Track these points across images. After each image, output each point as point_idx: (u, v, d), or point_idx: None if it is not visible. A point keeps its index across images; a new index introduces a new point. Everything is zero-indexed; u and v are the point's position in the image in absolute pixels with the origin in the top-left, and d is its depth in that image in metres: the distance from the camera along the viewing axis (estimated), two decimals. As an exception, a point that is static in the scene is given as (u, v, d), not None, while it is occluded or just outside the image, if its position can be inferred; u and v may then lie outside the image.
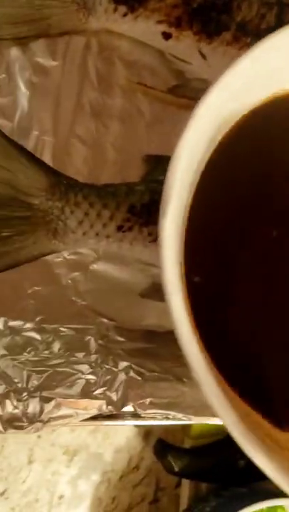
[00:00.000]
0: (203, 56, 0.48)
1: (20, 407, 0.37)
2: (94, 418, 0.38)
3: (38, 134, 0.47)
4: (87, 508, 0.52)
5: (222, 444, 0.53)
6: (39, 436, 0.49)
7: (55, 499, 0.51)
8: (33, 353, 0.42)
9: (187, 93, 0.50)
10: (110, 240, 0.47)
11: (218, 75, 0.49)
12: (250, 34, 0.48)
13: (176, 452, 0.51)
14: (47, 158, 0.47)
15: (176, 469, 0.51)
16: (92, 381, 0.39)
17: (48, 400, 0.37)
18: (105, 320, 0.47)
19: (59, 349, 0.42)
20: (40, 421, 0.37)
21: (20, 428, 0.37)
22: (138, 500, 0.53)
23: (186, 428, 0.53)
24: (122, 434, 0.53)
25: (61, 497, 0.51)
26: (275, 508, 0.53)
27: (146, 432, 0.53)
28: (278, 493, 0.54)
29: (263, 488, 0.55)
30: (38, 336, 0.44)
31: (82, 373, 0.40)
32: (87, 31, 0.47)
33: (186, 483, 0.54)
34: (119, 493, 0.53)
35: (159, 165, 0.49)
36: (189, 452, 0.52)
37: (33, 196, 0.45)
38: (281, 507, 0.54)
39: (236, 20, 0.47)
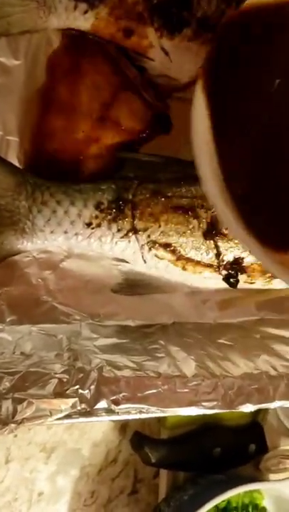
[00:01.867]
0: (166, 52, 0.49)
1: (-7, 410, 0.37)
2: (68, 416, 0.38)
3: (2, 134, 0.47)
4: (66, 503, 0.52)
5: (198, 433, 0.54)
6: (15, 436, 0.50)
7: (35, 496, 0.51)
8: (4, 354, 0.42)
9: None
10: (79, 237, 0.47)
11: (180, 70, 0.50)
12: (211, 29, 0.48)
13: (152, 444, 0.52)
14: (12, 158, 0.47)
15: (154, 460, 0.52)
16: (65, 380, 0.40)
17: (20, 400, 0.38)
18: (78, 317, 0.48)
19: (31, 349, 0.43)
20: (14, 422, 0.37)
21: (-6, 430, 0.37)
22: (117, 493, 0.54)
23: (161, 419, 0.54)
24: (99, 428, 0.53)
25: (40, 494, 0.51)
26: (251, 492, 0.55)
27: (123, 426, 0.54)
28: (254, 478, 0.55)
29: (239, 475, 0.56)
30: (9, 337, 0.44)
31: (55, 373, 0.40)
32: (48, 29, 0.47)
33: (164, 474, 0.55)
34: (98, 486, 0.53)
35: (127, 162, 0.49)
36: (166, 443, 0.53)
37: (-1, 197, 0.45)
38: (257, 491, 0.55)
39: (197, 16, 0.47)
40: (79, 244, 0.47)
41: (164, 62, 0.49)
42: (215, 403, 0.43)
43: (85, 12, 0.47)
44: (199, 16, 0.48)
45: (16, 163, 0.47)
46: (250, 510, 0.55)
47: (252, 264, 0.48)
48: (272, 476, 0.56)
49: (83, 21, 0.47)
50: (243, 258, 0.48)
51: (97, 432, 0.53)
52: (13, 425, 0.37)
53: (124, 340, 0.46)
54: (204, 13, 0.48)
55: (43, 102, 0.48)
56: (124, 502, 0.54)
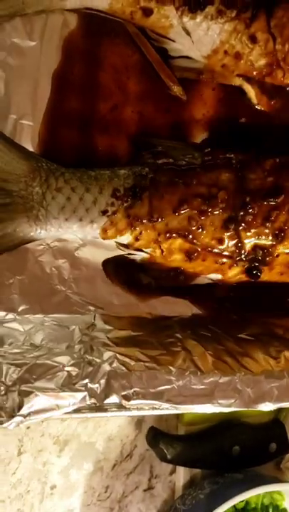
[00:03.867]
0: (187, 32, 0.46)
1: (-2, 402, 0.36)
2: (77, 411, 0.37)
3: (16, 117, 0.45)
4: (80, 497, 0.51)
5: (216, 430, 0.53)
6: (28, 427, 0.49)
7: (47, 489, 0.50)
8: (13, 345, 0.41)
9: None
10: (94, 225, 0.45)
11: (202, 51, 0.47)
12: (236, 7, 0.46)
13: (168, 440, 0.51)
14: (26, 143, 0.46)
15: (169, 457, 0.50)
16: (74, 373, 0.38)
17: (27, 393, 0.36)
18: (92, 308, 0.46)
19: (41, 340, 0.42)
20: (21, 415, 0.36)
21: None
22: (132, 489, 0.53)
23: (179, 415, 0.52)
24: (114, 422, 0.52)
25: (53, 487, 0.51)
26: (271, 493, 0.53)
27: (139, 420, 0.52)
28: (274, 479, 0.53)
29: (259, 474, 0.54)
30: (20, 327, 0.43)
31: (64, 365, 0.39)
32: (64, 9, 0.45)
33: (180, 470, 0.53)
34: (112, 481, 0.52)
35: (145, 148, 0.47)
36: (182, 439, 0.52)
37: (12, 183, 0.44)
38: (278, 492, 0.53)
39: (220, -7, 0.45)
40: (94, 232, 0.45)
41: (185, 42, 0.47)
42: (232, 401, 0.41)
43: (103, -10, 0.45)
44: (223, -7, 0.45)
45: (30, 148, 0.46)
46: (270, 511, 0.53)
47: (276, 255, 0.46)
48: (294, 477, 0.54)
49: (101, 0, 0.45)
50: (266, 249, 0.45)
51: (112, 425, 0.52)
52: (19, 418, 0.36)
53: (139, 333, 0.45)
54: (228, -10, 0.45)
55: (58, 85, 0.46)
56: (140, 498, 0.53)
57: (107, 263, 0.48)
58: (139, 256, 0.47)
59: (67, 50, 0.46)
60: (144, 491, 0.53)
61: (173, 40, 0.47)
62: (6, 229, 0.44)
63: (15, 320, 0.43)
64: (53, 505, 0.51)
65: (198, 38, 0.47)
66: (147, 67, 0.48)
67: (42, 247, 0.46)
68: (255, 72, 0.48)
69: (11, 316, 0.44)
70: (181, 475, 0.53)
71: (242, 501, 0.50)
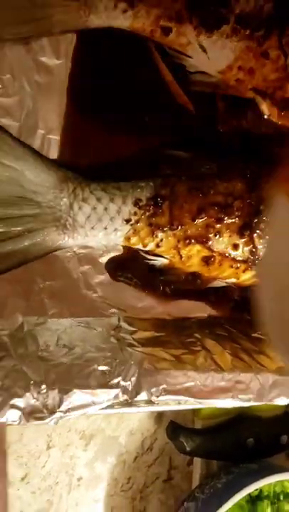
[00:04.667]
0: (204, 49, 0.49)
1: (41, 399, 0.39)
2: (110, 406, 0.40)
3: (44, 132, 0.48)
4: (104, 488, 0.54)
5: (231, 423, 0.56)
6: (56, 423, 0.52)
7: (74, 481, 0.53)
8: (48, 346, 0.43)
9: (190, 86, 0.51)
10: (118, 233, 0.48)
11: (217, 67, 0.50)
12: (249, 26, 0.48)
13: (187, 433, 0.54)
14: (54, 156, 0.48)
15: (188, 449, 0.53)
16: (107, 372, 0.41)
17: (66, 391, 0.39)
18: (116, 311, 0.49)
19: (73, 341, 0.44)
20: (60, 411, 0.39)
21: (41, 419, 0.39)
22: (152, 479, 0.56)
23: (196, 409, 0.55)
24: (136, 417, 0.55)
25: (80, 479, 0.54)
26: (282, 481, 0.56)
27: (159, 415, 0.55)
28: (285, 468, 0.56)
29: (272, 464, 0.57)
30: (51, 330, 0.45)
31: (98, 364, 0.41)
32: (89, 29, 0.48)
33: (197, 462, 0.56)
34: (134, 473, 0.55)
35: (164, 159, 0.50)
36: (200, 433, 0.55)
37: (41, 194, 0.46)
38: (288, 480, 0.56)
39: (235, 13, 0.48)
40: (118, 239, 0.48)
41: (202, 59, 0.50)
42: (251, 396, 0.44)
43: (125, 11, 0.47)
44: (237, 13, 0.48)
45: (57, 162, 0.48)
46: (281, 498, 0.56)
47: None
48: (303, 466, 0.57)
49: (123, 20, 0.48)
50: (278, 254, 0.48)
51: (133, 420, 0.55)
52: (59, 414, 0.39)
53: (162, 334, 0.48)
54: (242, 10, 0.48)
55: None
56: (160, 488, 0.56)
57: (110, 262, 0.50)
58: (159, 262, 0.50)
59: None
60: (164, 481, 0.56)
61: (190, 57, 0.50)
62: (37, 238, 0.46)
63: (46, 323, 0.46)
64: (79, 495, 0.54)
65: (214, 55, 0.49)
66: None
67: (69, 254, 0.49)
68: (266, 86, 0.51)
69: (42, 319, 0.46)
70: (198, 466, 0.56)
71: (256, 490, 0.53)
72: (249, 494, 0.53)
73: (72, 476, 0.53)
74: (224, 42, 0.49)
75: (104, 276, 0.49)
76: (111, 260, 0.50)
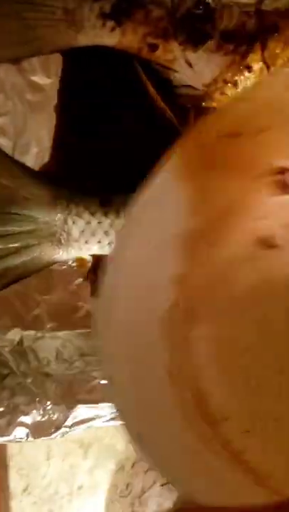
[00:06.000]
0: (189, 64, 0.50)
1: (47, 416, 0.40)
2: (112, 419, 0.41)
3: (37, 150, 0.49)
4: (104, 495, 0.55)
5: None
6: (62, 437, 0.52)
7: (75, 490, 0.54)
8: (49, 361, 0.44)
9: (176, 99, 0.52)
10: (113, 246, 0.49)
11: (202, 80, 0.51)
12: (233, 41, 0.50)
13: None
14: (47, 173, 0.49)
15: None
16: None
17: (71, 406, 0.40)
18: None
19: (73, 355, 0.45)
20: (66, 426, 0.40)
21: (48, 434, 0.40)
22: (150, 484, 0.57)
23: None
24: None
25: (80, 487, 0.54)
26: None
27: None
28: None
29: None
30: (51, 344, 0.46)
31: (99, 377, 0.42)
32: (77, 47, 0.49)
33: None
34: (132, 479, 0.56)
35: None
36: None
37: (36, 210, 0.47)
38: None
39: (219, 29, 0.49)
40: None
41: (187, 73, 0.51)
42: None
43: (112, 29, 0.48)
44: (221, 29, 0.49)
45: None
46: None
47: None
48: None
49: (110, 38, 0.49)
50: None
51: (130, 427, 0.56)
52: (64, 429, 0.40)
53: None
54: (226, 26, 0.49)
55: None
56: (158, 492, 0.57)
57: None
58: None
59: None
60: (162, 485, 0.58)
61: (176, 71, 0.51)
62: (34, 253, 0.47)
63: (44, 337, 0.47)
64: (80, 504, 0.55)
65: (200, 69, 0.51)
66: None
67: (63, 267, 0.50)
68: (251, 98, 0.52)
69: (40, 334, 0.47)
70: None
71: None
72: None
73: (73, 484, 0.54)
74: (209, 56, 0.50)
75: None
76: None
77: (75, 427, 0.40)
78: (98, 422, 0.40)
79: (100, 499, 0.55)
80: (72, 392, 0.41)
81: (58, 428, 0.40)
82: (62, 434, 0.40)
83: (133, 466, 0.56)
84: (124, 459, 0.56)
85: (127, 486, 0.56)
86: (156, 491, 0.57)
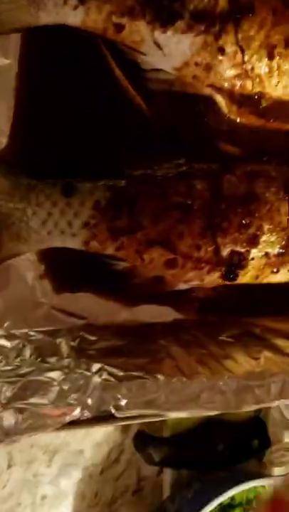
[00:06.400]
0: (159, 46, 0.47)
1: (-3, 420, 0.36)
2: (70, 424, 0.38)
3: (-6, 134, 0.46)
4: (70, 505, 0.52)
5: (200, 430, 0.54)
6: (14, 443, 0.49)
7: (38, 500, 0.51)
8: (4, 361, 0.41)
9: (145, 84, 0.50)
10: (76, 238, 0.46)
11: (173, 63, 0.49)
12: (204, 21, 0.47)
13: (155, 443, 0.52)
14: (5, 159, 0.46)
15: (157, 460, 0.52)
16: (66, 388, 0.39)
17: (22, 410, 0.37)
18: (76, 319, 0.47)
19: (30, 355, 0.42)
20: (17, 432, 0.37)
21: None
22: (121, 492, 0.54)
23: (164, 417, 0.54)
24: (101, 428, 0.53)
25: (44, 497, 0.51)
26: (255, 487, 0.55)
27: (125, 425, 0.54)
28: (258, 474, 0.55)
29: (243, 470, 0.56)
30: (7, 343, 0.43)
31: (55, 380, 0.39)
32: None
33: (167, 471, 0.54)
34: (101, 487, 0.53)
35: (128, 159, 0.48)
36: (168, 442, 0.53)
37: (-6, 200, 0.44)
38: (262, 486, 0.55)
39: (189, 9, 0.46)
40: (77, 244, 0.46)
41: (157, 56, 0.48)
42: (217, 404, 0.42)
43: (75, 7, 0.45)
44: (192, 8, 0.46)
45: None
46: (254, 504, 0.55)
47: (251, 259, 0.47)
48: (276, 470, 0.56)
49: (73, 17, 0.46)
50: (242, 254, 0.47)
51: (99, 432, 0.53)
52: (15, 436, 0.37)
53: (124, 342, 0.46)
54: (196, 6, 0.47)
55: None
56: (129, 501, 0.54)
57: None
58: (120, 266, 0.48)
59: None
60: (133, 493, 0.55)
61: (145, 54, 0.48)
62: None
63: (1, 336, 0.44)
64: (44, 515, 0.51)
65: (170, 51, 0.48)
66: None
67: (24, 261, 0.47)
68: (225, 83, 0.49)
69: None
70: (168, 476, 0.55)
71: (228, 498, 0.52)
72: (221, 503, 0.52)
73: (36, 494, 0.51)
74: (180, 38, 0.47)
75: (62, 283, 0.47)
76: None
77: (28, 433, 0.37)
78: (54, 427, 0.37)
79: (65, 510, 0.52)
80: (24, 395, 0.37)
81: (8, 434, 0.36)
82: (14, 441, 0.36)
83: (102, 473, 0.53)
84: (91, 465, 0.53)
85: (96, 494, 0.53)
86: (128, 500, 0.54)
